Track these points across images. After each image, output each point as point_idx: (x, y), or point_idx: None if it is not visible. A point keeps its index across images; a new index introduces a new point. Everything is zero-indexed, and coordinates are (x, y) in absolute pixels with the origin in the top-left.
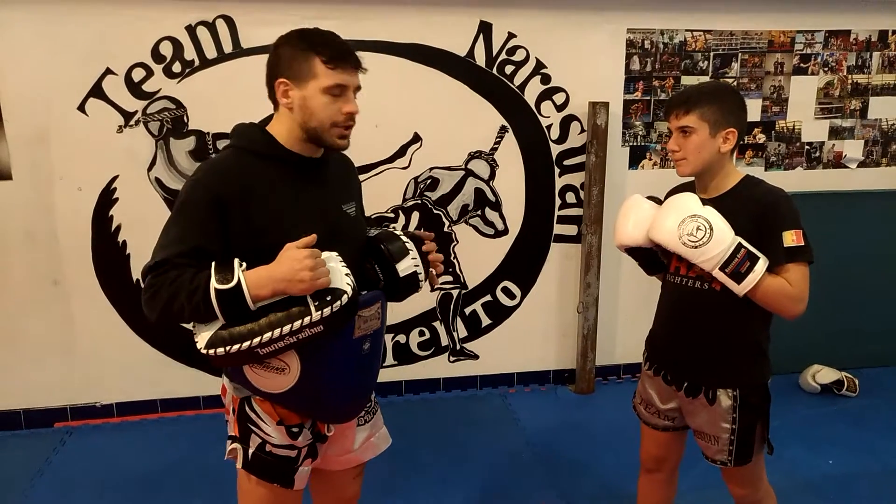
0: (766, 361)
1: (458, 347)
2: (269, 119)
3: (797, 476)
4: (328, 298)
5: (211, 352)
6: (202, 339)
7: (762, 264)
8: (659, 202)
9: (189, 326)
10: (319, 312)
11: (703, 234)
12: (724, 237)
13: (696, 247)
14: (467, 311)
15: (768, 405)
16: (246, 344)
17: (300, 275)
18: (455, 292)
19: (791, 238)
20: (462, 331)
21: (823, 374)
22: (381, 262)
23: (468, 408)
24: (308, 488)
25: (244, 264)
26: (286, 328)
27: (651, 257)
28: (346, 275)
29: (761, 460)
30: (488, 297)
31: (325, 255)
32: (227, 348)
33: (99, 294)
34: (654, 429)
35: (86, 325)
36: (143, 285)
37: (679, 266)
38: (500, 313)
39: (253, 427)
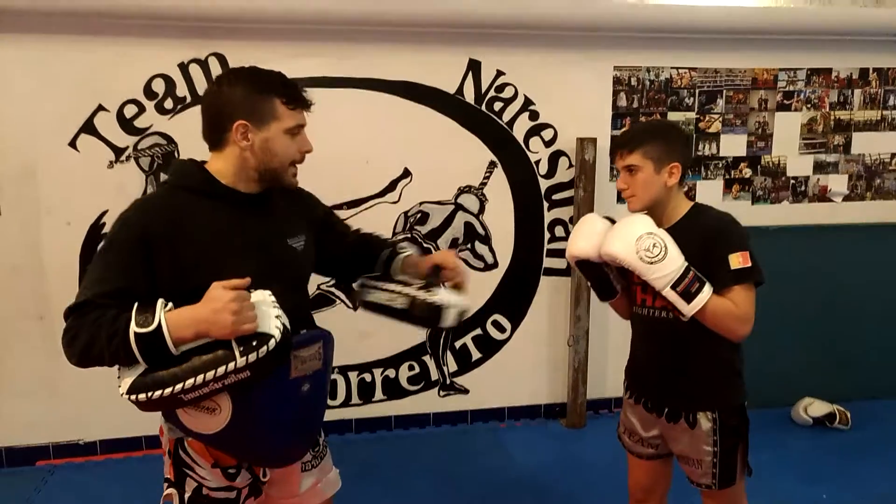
0: (741, 383)
1: (448, 382)
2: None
3: None
4: (254, 343)
5: (133, 397)
6: (124, 384)
7: (708, 288)
8: (614, 222)
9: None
10: (245, 358)
11: (658, 250)
12: (677, 256)
13: (651, 262)
14: (457, 344)
15: (747, 427)
16: (168, 390)
17: (222, 317)
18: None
19: (738, 260)
20: (452, 365)
21: (815, 408)
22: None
23: (459, 443)
24: None
25: (169, 305)
26: (209, 374)
27: (600, 276)
28: (277, 317)
29: (742, 483)
30: (478, 331)
31: (257, 295)
32: (149, 394)
33: None
34: (639, 458)
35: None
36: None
37: (645, 298)
38: (490, 347)
39: (188, 470)
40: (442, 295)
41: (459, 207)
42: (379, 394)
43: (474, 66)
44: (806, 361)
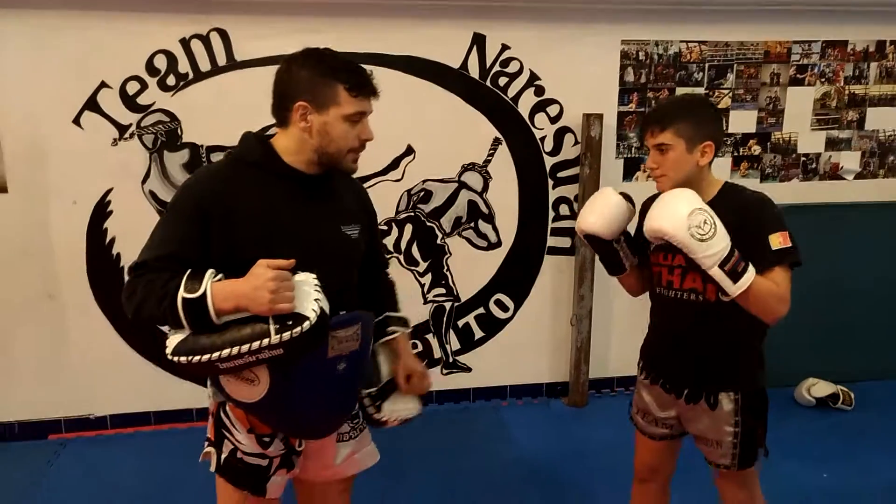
0: (763, 367)
1: (450, 360)
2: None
3: (791, 490)
4: (289, 323)
5: (175, 359)
6: (170, 344)
7: (752, 268)
8: (630, 199)
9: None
10: (278, 336)
11: (709, 227)
12: (724, 234)
13: (702, 240)
14: (460, 323)
15: (766, 409)
16: (206, 357)
17: (260, 294)
18: (448, 305)
19: (778, 241)
20: (455, 343)
21: (819, 388)
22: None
23: (461, 421)
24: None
25: (219, 275)
26: (244, 347)
27: (610, 251)
28: (317, 300)
29: (758, 465)
30: (481, 310)
31: (300, 277)
32: (189, 358)
33: (93, 307)
34: (650, 438)
35: (80, 338)
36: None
37: (671, 280)
38: (493, 326)
39: (226, 433)
40: (384, 411)
41: (463, 185)
42: None
43: (479, 41)
44: (810, 341)
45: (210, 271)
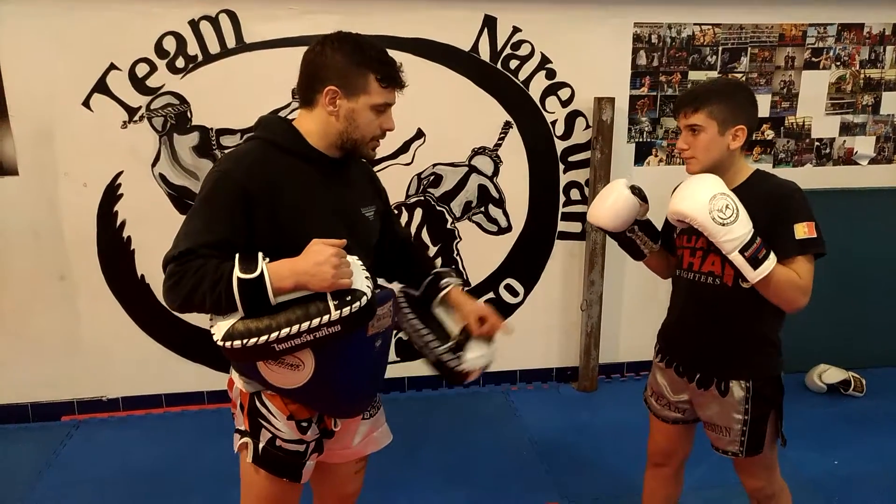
0: (778, 355)
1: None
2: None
3: (801, 475)
4: (348, 299)
5: (227, 344)
6: (219, 330)
7: (773, 256)
8: (640, 193)
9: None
10: (339, 312)
11: (731, 212)
12: (746, 220)
13: (724, 224)
14: None
15: (781, 397)
16: (263, 338)
17: (323, 270)
18: None
19: (803, 230)
20: None
21: (830, 374)
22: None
23: (471, 405)
24: (308, 483)
25: (267, 258)
26: (304, 325)
27: (624, 241)
28: (367, 277)
29: (774, 453)
30: (491, 295)
31: (350, 259)
32: (244, 342)
33: (105, 289)
34: (663, 421)
35: (92, 320)
36: (164, 273)
37: (692, 262)
38: (503, 311)
39: (263, 422)
40: (468, 361)
41: (473, 169)
42: (392, 355)
43: (490, 23)
44: (822, 328)
45: (260, 253)
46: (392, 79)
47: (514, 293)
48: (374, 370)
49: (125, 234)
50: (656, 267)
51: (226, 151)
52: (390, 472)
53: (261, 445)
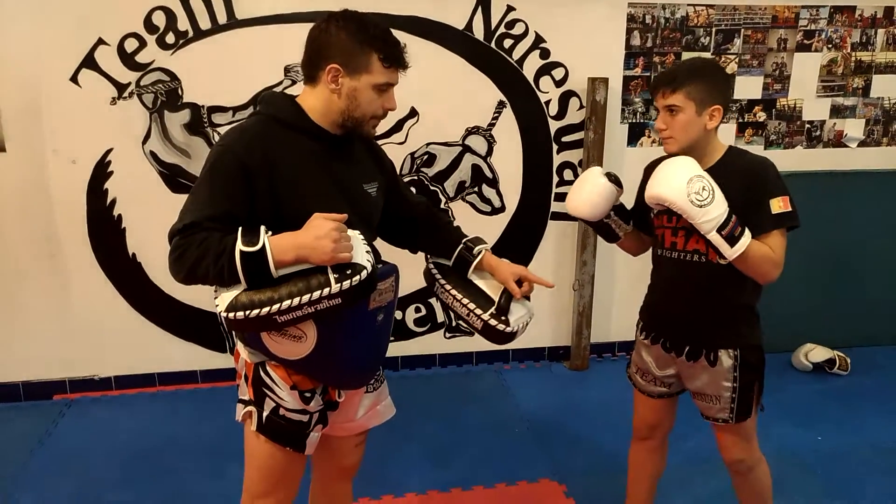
0: (759, 323)
1: (453, 324)
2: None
3: (785, 451)
4: (348, 272)
5: (230, 315)
6: (222, 301)
7: (748, 233)
8: (616, 180)
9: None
10: (339, 285)
11: (707, 193)
12: (722, 200)
13: (701, 206)
14: None
15: (763, 366)
16: (265, 310)
17: (323, 244)
18: None
19: (779, 205)
20: None
21: (816, 353)
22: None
23: (464, 383)
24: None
25: (269, 231)
26: (305, 298)
27: (600, 226)
28: (367, 252)
29: (754, 422)
30: None
31: (351, 233)
32: (247, 313)
33: (95, 268)
34: (648, 396)
35: (83, 299)
36: (169, 246)
37: (675, 241)
38: None
39: (267, 391)
40: (514, 322)
41: (467, 149)
42: None
43: (484, 2)
44: (809, 307)
45: (262, 227)
46: (395, 59)
47: None
48: (376, 343)
49: (116, 213)
50: (630, 247)
51: (230, 127)
52: (384, 448)
53: (265, 414)
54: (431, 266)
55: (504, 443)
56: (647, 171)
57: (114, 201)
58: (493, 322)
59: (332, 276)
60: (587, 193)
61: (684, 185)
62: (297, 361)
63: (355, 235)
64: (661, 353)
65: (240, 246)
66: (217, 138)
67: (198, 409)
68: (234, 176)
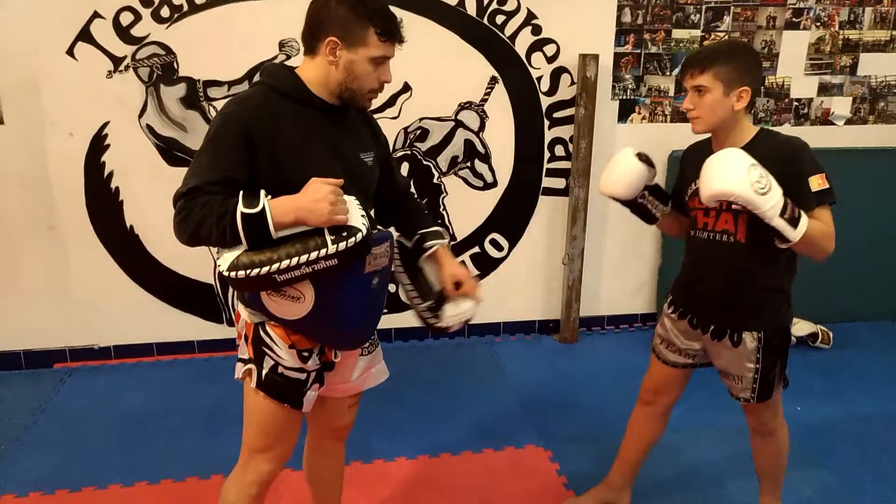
0: (788, 306)
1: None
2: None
3: None
4: (344, 234)
5: (232, 274)
6: (224, 261)
7: (803, 212)
8: (647, 160)
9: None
10: (335, 246)
11: (765, 181)
12: (776, 184)
13: (763, 194)
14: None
15: (788, 345)
16: (265, 269)
17: (321, 206)
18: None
19: (818, 182)
20: None
21: (800, 327)
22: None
23: (455, 355)
24: (304, 418)
25: (269, 195)
26: (302, 258)
27: (637, 207)
28: (363, 216)
29: (779, 394)
30: (476, 249)
31: (347, 198)
32: (248, 272)
33: (94, 239)
34: (664, 363)
35: (82, 270)
36: (174, 209)
37: (707, 221)
38: (487, 264)
39: (267, 350)
40: (444, 319)
41: (460, 124)
42: None
43: None
44: (795, 285)
45: (262, 191)
46: (391, 33)
47: (499, 248)
48: (371, 305)
49: (113, 185)
50: (669, 228)
51: (232, 97)
52: (376, 416)
53: (264, 372)
54: (395, 244)
55: (493, 411)
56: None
57: (111, 174)
58: (426, 314)
59: (328, 238)
60: (619, 174)
61: (745, 177)
62: (296, 321)
63: (351, 200)
64: (688, 328)
65: (241, 208)
66: (213, 112)
67: (195, 378)
68: (235, 143)
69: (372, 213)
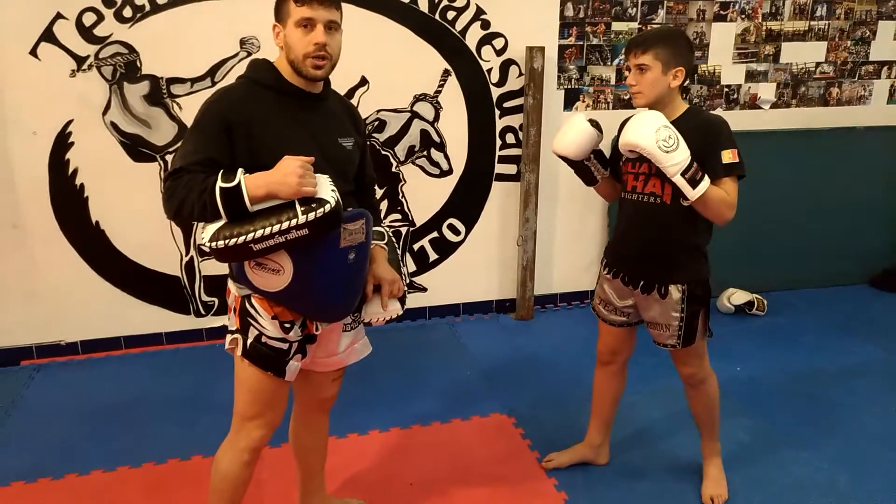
0: (706, 261)
1: (407, 281)
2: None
3: None
4: (313, 205)
5: (212, 244)
6: (207, 233)
7: (707, 178)
8: (598, 126)
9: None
10: (305, 216)
11: (673, 142)
12: (685, 148)
13: (667, 151)
14: (416, 247)
15: (709, 297)
16: (242, 239)
17: (290, 179)
18: (404, 230)
19: (729, 156)
20: (411, 266)
21: (737, 297)
22: None
23: (418, 336)
24: (291, 388)
25: (246, 173)
26: (276, 227)
27: (582, 169)
28: (332, 191)
29: (704, 344)
30: (435, 234)
31: (318, 175)
32: (226, 242)
33: (59, 236)
34: (610, 325)
35: (47, 267)
36: (161, 190)
37: (636, 185)
38: (446, 248)
39: (251, 321)
40: (365, 313)
41: (415, 115)
42: None
43: None
44: (731, 257)
45: (241, 169)
46: None
47: (457, 232)
48: (348, 279)
49: (78, 182)
50: (605, 192)
51: (215, 89)
52: (348, 395)
53: (249, 341)
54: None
55: (458, 385)
56: (622, 126)
57: (76, 171)
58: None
59: (299, 210)
60: (572, 135)
61: (653, 133)
62: (277, 293)
63: (322, 177)
64: (621, 286)
65: (219, 183)
66: (176, 108)
67: (164, 369)
68: (215, 129)
69: (352, 193)
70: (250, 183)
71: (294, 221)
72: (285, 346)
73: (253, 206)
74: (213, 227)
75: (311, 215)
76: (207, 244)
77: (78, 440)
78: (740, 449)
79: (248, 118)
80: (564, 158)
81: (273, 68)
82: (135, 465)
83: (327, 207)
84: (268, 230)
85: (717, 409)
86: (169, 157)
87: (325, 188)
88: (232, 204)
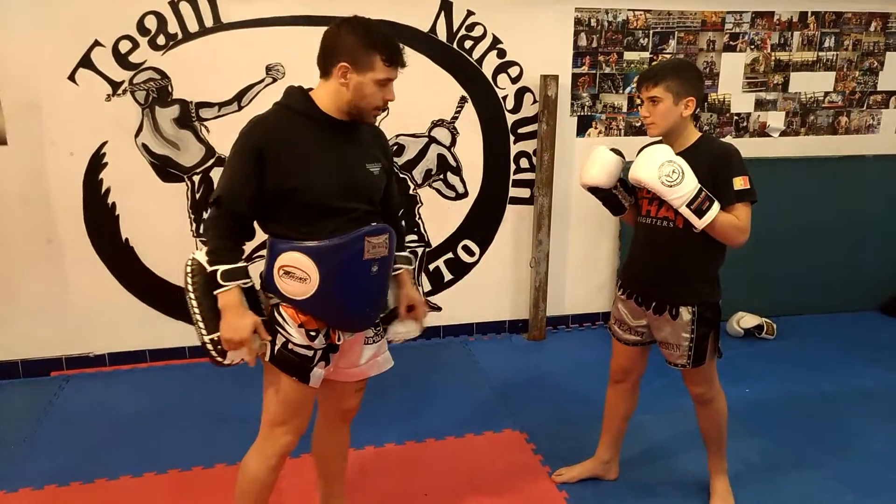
0: (718, 285)
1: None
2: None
3: None
4: (218, 349)
5: (186, 267)
6: (199, 254)
7: (717, 205)
8: (621, 154)
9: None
10: (210, 348)
11: (676, 175)
12: (691, 180)
13: (671, 186)
14: (431, 267)
15: (719, 319)
16: (191, 288)
17: (237, 334)
18: (420, 250)
19: (740, 183)
20: (427, 285)
21: (747, 320)
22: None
23: (433, 354)
24: (316, 399)
25: (249, 282)
26: (200, 324)
27: (609, 198)
28: (241, 360)
29: (713, 365)
30: (450, 255)
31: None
32: (192, 274)
33: (90, 252)
34: (624, 344)
35: (78, 281)
36: (195, 215)
37: (650, 209)
38: (460, 269)
39: (279, 328)
40: (390, 333)
41: (433, 140)
42: None
43: (446, 6)
44: (742, 281)
45: (239, 281)
46: (394, 60)
47: (471, 253)
48: (371, 290)
49: (110, 201)
50: (630, 219)
51: (253, 116)
52: (364, 409)
53: (276, 347)
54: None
55: (471, 402)
56: (639, 154)
57: (108, 190)
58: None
59: (213, 340)
60: (599, 165)
61: (655, 170)
62: (304, 301)
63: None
64: (634, 306)
65: (219, 268)
66: (204, 131)
67: (188, 381)
68: (247, 156)
69: (378, 214)
70: (223, 295)
71: (204, 333)
72: (310, 353)
73: (216, 293)
74: (202, 257)
75: (212, 353)
76: (187, 262)
77: (106, 447)
78: (748, 467)
79: (278, 143)
80: (594, 190)
81: (307, 98)
82: (161, 472)
83: (218, 359)
84: (196, 307)
85: (724, 427)
86: (196, 178)
87: (239, 356)
88: (207, 283)
